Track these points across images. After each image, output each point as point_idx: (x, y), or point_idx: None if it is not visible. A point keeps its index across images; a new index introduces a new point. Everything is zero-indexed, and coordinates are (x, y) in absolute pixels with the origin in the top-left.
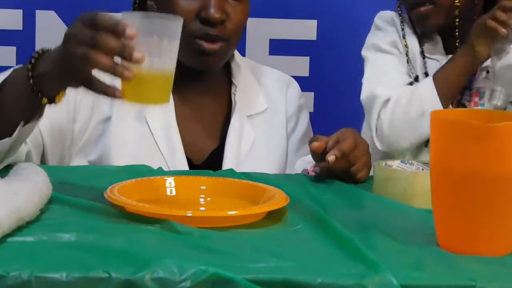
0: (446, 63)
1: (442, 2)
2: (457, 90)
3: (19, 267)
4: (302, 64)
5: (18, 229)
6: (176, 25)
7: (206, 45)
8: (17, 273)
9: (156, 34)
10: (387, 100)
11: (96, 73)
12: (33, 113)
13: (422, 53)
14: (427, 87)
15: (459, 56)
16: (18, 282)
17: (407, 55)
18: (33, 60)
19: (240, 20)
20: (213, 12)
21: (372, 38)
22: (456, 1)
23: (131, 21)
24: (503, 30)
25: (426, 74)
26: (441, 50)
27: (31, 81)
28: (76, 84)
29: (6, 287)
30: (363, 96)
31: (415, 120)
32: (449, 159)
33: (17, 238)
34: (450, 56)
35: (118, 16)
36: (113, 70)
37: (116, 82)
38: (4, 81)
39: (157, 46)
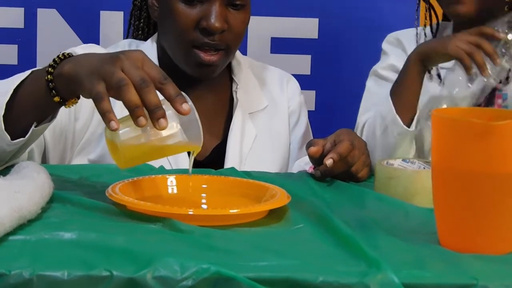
0: (399, 73)
1: None
2: (415, 97)
3: (20, 266)
4: (303, 63)
5: (20, 228)
6: (197, 140)
7: (205, 57)
8: (18, 271)
9: (180, 123)
10: (364, 125)
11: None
12: (47, 114)
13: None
14: (386, 104)
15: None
16: (19, 281)
17: None
18: (57, 60)
19: (240, 30)
20: (214, 22)
21: (376, 64)
22: None
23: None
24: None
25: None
26: None
27: (48, 76)
28: (86, 95)
29: (7, 286)
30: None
31: (381, 136)
32: (451, 157)
33: (18, 237)
34: None
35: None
36: (134, 110)
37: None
38: (23, 81)
39: (170, 129)
